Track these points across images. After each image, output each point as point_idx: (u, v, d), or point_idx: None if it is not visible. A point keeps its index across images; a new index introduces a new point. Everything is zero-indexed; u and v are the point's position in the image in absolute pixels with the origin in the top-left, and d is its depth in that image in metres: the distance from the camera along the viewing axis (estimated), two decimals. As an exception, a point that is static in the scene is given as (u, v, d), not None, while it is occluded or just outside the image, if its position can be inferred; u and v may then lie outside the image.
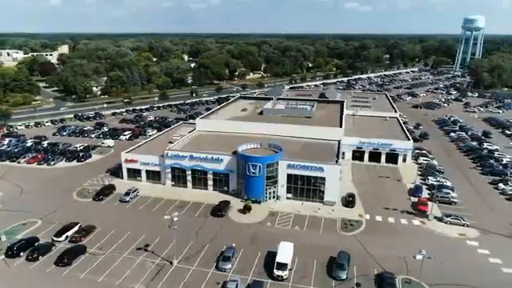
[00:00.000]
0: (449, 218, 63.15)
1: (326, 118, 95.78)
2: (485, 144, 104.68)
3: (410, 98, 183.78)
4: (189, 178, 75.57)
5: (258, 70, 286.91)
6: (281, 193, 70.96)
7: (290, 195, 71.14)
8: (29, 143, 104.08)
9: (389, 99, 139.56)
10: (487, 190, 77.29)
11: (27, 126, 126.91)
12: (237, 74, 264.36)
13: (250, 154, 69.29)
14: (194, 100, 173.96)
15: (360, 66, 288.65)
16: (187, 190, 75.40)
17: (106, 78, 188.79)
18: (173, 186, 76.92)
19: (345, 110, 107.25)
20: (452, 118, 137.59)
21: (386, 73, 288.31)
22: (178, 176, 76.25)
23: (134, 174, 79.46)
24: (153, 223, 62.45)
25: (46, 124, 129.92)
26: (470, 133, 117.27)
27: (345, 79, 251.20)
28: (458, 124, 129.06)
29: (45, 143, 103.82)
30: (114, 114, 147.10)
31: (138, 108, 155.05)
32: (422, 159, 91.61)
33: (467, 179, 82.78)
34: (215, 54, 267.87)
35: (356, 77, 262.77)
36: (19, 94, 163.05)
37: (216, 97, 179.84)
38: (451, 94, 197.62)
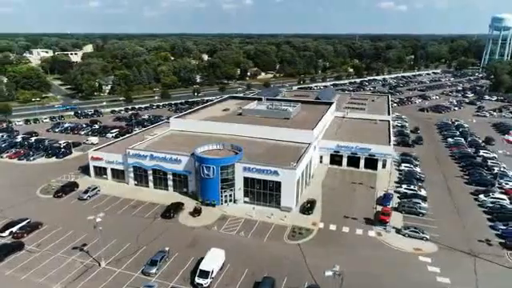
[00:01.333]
0: (407, 231, 58.59)
1: (305, 119, 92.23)
2: (481, 151, 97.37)
3: (420, 100, 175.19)
4: (150, 177, 74.85)
5: (273, 70, 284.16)
6: (238, 196, 68.74)
7: (247, 199, 68.76)
8: (18, 139, 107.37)
9: (388, 102, 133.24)
10: (466, 201, 71.40)
11: (27, 122, 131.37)
12: (248, 73, 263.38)
13: (203, 156, 67.47)
14: (195, 99, 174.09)
15: (375, 67, 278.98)
16: (148, 190, 74.70)
17: (113, 77, 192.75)
18: (136, 185, 76.45)
19: (330, 112, 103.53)
20: (456, 123, 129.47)
21: (405, 74, 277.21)
22: (140, 175, 75.69)
23: (101, 172, 79.73)
24: (99, 222, 61.93)
25: (45, 120, 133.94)
26: (469, 138, 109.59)
27: (358, 80, 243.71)
28: (461, 129, 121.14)
29: (32, 139, 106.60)
30: (112, 111, 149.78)
31: (137, 106, 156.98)
32: (403, 165, 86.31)
33: (448, 188, 76.98)
34: (228, 53, 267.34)
35: (371, 78, 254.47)
36: (29, 91, 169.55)
37: (218, 96, 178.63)
38: (467, 96, 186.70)
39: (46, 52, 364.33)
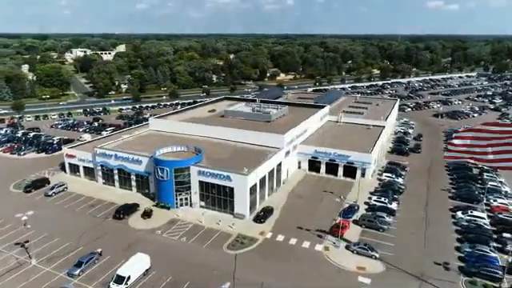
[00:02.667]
0: (356, 247, 54.20)
1: (286, 123, 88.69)
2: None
3: (439, 105, 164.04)
4: (116, 177, 75.25)
5: (295, 71, 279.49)
6: (194, 200, 67.23)
7: (203, 203, 67.09)
8: (19, 134, 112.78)
9: (394, 106, 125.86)
10: (440, 217, 65.02)
11: (37, 118, 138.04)
12: (268, 74, 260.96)
13: (158, 157, 66.58)
14: (204, 100, 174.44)
15: (401, 69, 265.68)
16: (114, 190, 75.11)
17: (129, 76, 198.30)
18: (104, 184, 77.26)
19: (319, 115, 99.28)
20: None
21: (433, 77, 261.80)
22: (108, 174, 76.35)
23: (75, 169, 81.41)
24: (52, 219, 63.09)
25: (53, 117, 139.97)
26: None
27: (380, 83, 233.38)
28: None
29: (31, 134, 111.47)
30: (120, 109, 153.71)
31: (144, 105, 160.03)
32: (384, 175, 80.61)
33: (426, 203, 70.71)
34: (249, 53, 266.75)
35: (395, 80, 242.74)
36: (49, 88, 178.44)
37: (239, 96, 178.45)
38: (494, 102, 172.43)
39: (84, 52, 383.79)
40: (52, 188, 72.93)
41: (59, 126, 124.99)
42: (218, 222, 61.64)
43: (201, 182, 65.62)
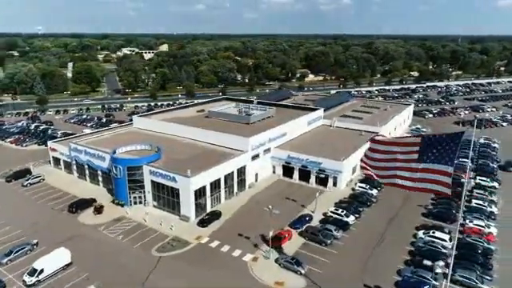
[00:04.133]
0: (283, 260, 51.06)
1: (266, 126, 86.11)
2: (478, 178, 79.77)
3: (467, 112, 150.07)
4: (87, 172, 78.06)
5: (326, 72, 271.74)
6: (148, 199, 67.68)
7: (155, 203, 67.34)
8: (32, 126, 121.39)
9: (402, 111, 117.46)
10: (400, 235, 59.14)
11: (57, 112, 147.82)
12: (298, 75, 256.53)
13: (113, 155, 67.82)
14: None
15: (438, 72, 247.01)
16: (85, 184, 77.99)
17: (153, 75, 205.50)
18: (78, 177, 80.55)
19: (306, 119, 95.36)
20: (483, 141, 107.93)
21: (478, 81, 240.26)
22: (81, 169, 79.44)
23: (57, 162, 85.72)
24: (15, 208, 66.94)
25: (72, 112, 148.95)
26: (480, 162, 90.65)
27: (413, 86, 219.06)
28: (481, 149, 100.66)
29: (41, 127, 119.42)
30: (136, 106, 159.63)
31: (159, 103, 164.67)
32: (357, 186, 75.24)
33: (393, 218, 64.84)
34: (277, 54, 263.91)
35: (431, 84, 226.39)
36: (79, 85, 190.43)
37: (244, 98, 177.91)
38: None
39: (132, 51, 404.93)
40: (28, 179, 77.41)
41: (71, 121, 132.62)
42: (161, 223, 61.45)
43: (153, 182, 65.90)
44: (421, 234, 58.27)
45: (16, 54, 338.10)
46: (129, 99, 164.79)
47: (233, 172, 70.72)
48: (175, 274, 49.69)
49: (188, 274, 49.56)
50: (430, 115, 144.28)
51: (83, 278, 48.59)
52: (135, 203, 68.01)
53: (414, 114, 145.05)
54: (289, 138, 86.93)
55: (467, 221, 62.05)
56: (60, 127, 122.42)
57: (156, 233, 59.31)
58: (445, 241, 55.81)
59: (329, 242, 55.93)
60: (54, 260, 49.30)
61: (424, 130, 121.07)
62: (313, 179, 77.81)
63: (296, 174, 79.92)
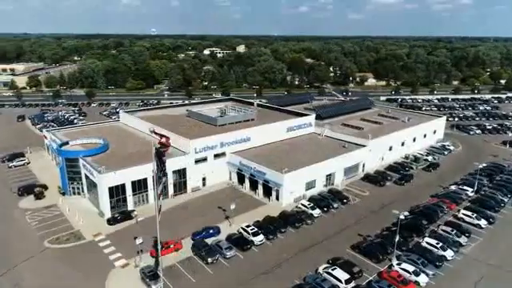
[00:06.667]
0: (141, 271, 47.82)
1: (234, 129, 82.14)
2: (461, 211, 63.92)
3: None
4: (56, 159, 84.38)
5: (392, 77, 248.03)
6: (85, 190, 70.28)
7: (88, 195, 69.51)
8: (66, 116, 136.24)
9: (425, 124, 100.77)
10: (300, 268, 50.59)
11: (100, 105, 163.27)
12: (357, 79, 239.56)
13: (59, 147, 71.90)
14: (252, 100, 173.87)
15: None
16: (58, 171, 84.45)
17: (203, 73, 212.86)
18: (55, 165, 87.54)
19: (286, 124, 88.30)
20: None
21: None
22: (54, 156, 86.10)
23: (49, 149, 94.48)
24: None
25: (113, 105, 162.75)
26: (487, 192, 72.61)
27: (487, 96, 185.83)
28: (506, 177, 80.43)
29: (72, 117, 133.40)
30: (170, 103, 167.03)
31: (194, 101, 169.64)
32: (300, 203, 66.60)
33: (313, 245, 55.84)
34: (331, 56, 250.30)
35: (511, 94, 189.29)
36: (136, 81, 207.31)
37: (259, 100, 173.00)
38: None
39: (212, 51, 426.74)
40: (12, 161, 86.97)
41: (104, 113, 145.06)
42: (77, 215, 63.11)
43: (86, 175, 68.13)
44: (320, 268, 49.04)
45: (114, 51, 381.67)
46: (165, 96, 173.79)
47: (166, 173, 68.85)
48: (41, 267, 50.44)
49: (51, 270, 49.82)
50: (478, 131, 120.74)
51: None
52: (74, 193, 71.20)
53: (458, 128, 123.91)
54: (254, 145, 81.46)
55: (395, 262, 50.21)
56: (90, 118, 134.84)
57: (66, 224, 61.15)
58: (340, 282, 45.95)
59: (210, 260, 50.72)
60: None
61: (451, 147, 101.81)
62: (260, 190, 71.66)
63: (247, 183, 74.58)
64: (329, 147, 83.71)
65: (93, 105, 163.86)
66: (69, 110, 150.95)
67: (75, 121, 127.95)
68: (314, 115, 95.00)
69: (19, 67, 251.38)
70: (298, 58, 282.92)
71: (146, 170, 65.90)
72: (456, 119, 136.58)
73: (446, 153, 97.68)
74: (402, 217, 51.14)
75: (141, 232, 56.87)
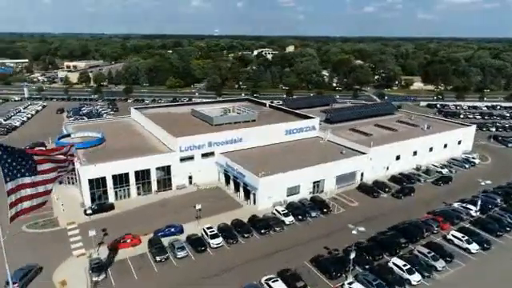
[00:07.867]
0: (90, 263, 49.20)
1: (231, 128, 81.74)
2: (451, 233, 56.88)
3: None
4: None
5: (443, 81, 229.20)
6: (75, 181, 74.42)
7: (79, 186, 73.34)
8: (99, 110, 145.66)
9: (447, 133, 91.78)
10: (231, 284, 48.66)
11: (135, 101, 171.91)
12: (403, 83, 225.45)
13: (59, 138, 76.88)
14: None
15: None
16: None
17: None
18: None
19: (283, 127, 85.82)
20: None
21: None
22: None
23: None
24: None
25: (146, 101, 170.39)
26: (493, 212, 63.91)
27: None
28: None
29: (103, 112, 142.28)
30: (176, 99, 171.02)
31: (207, 100, 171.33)
32: (275, 208, 63.97)
33: (270, 255, 53.35)
34: (376, 59, 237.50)
35: None
36: (175, 79, 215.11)
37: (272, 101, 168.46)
38: None
39: (261, 51, 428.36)
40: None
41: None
42: (62, 204, 66.91)
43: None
44: (263, 279, 46.57)
45: (169, 51, 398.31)
46: (196, 94, 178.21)
47: (149, 169, 70.48)
48: (7, 249, 53.94)
49: (13, 254, 53.09)
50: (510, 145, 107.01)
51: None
52: (69, 183, 75.61)
53: (496, 139, 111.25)
54: (247, 146, 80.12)
55: (346, 281, 46.11)
56: (122, 113, 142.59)
57: (49, 211, 65.03)
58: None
59: (158, 258, 50.72)
60: None
61: (476, 160, 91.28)
62: (241, 192, 70.31)
63: (232, 184, 73.62)
64: (327, 153, 79.62)
65: (129, 100, 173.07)
66: (104, 105, 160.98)
67: (104, 115, 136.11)
68: (317, 118, 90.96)
69: (81, 64, 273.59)
70: (347, 59, 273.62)
71: (127, 165, 68.19)
72: (493, 129, 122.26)
73: (467, 166, 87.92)
74: (354, 232, 46.71)
75: (114, 225, 58.90)
